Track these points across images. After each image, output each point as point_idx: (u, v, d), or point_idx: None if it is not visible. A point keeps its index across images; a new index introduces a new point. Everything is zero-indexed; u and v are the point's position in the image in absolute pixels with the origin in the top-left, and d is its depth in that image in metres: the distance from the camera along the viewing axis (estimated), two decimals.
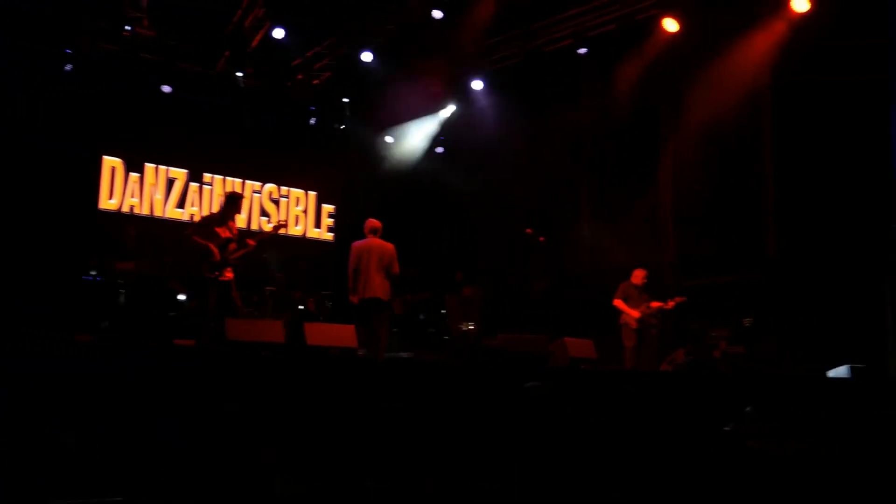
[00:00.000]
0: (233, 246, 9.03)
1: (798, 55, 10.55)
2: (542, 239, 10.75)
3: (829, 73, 10.23)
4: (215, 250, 8.94)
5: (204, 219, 10.01)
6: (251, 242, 9.17)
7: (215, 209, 13.87)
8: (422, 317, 12.84)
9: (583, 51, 12.40)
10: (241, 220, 13.75)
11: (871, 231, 9.89)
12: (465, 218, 14.36)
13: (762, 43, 10.90)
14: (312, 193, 15.18)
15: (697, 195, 11.96)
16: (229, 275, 9.02)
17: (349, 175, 15.08)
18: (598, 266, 12.71)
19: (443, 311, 12.91)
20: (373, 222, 9.63)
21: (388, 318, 9.62)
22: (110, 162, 13.14)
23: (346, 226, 15.08)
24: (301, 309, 12.20)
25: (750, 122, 11.35)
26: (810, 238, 10.41)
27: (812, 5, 10.34)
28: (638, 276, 10.91)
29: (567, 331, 10.15)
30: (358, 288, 9.36)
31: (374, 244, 9.46)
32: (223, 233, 9.10)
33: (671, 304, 10.65)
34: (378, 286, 9.30)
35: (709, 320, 10.99)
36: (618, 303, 10.83)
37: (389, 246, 9.49)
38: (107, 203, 13.05)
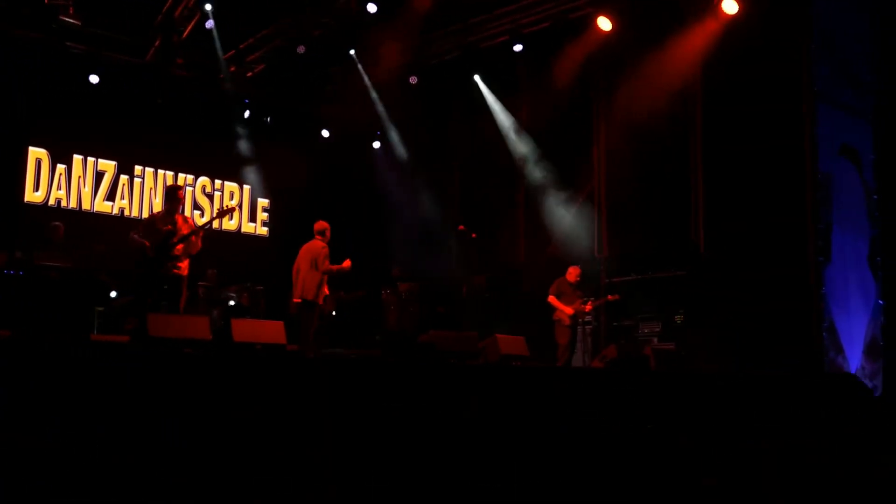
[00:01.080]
0: (174, 239, 8.91)
1: (728, 54, 10.73)
2: (473, 235, 10.75)
3: (756, 71, 10.44)
4: (147, 245, 8.84)
5: (150, 216, 10.07)
6: (195, 239, 9.03)
7: (146, 202, 13.63)
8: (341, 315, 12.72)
9: (518, 47, 12.44)
10: None
11: (795, 226, 10.10)
12: (401, 213, 14.29)
13: (694, 41, 11.04)
14: (247, 187, 15.00)
15: (629, 191, 12.06)
16: (176, 271, 8.91)
17: (284, 169, 14.87)
18: (533, 262, 12.75)
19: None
20: (316, 224, 10.08)
21: (310, 317, 9.76)
22: (36, 153, 12.78)
23: (280, 220, 15.00)
24: (232, 305, 12.05)
25: (680, 118, 11.48)
26: (739, 234, 10.58)
27: (741, 7, 10.49)
28: (572, 273, 10.98)
29: (501, 328, 10.16)
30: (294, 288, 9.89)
31: (308, 245, 9.91)
32: (164, 227, 9.00)
33: (594, 304, 10.75)
34: (305, 285, 9.70)
35: (641, 317, 11.09)
36: (552, 300, 10.87)
37: (317, 244, 9.86)
38: (32, 196, 12.68)
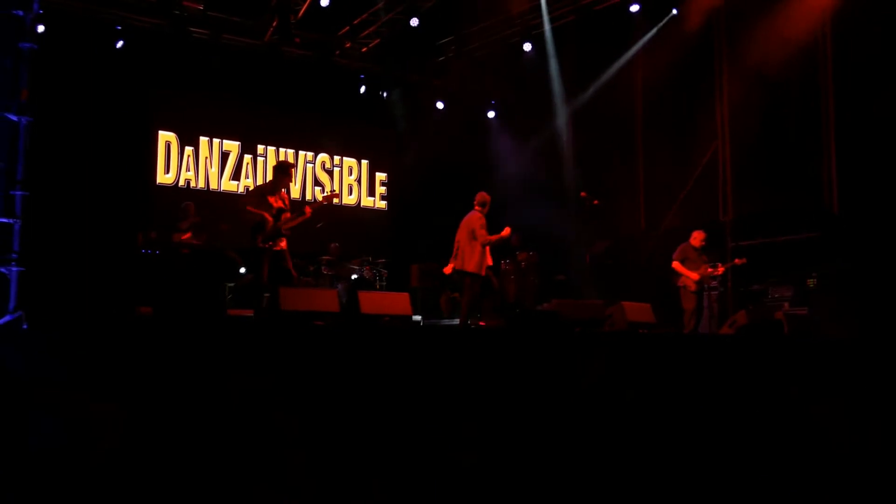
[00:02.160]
0: (286, 215, 8.94)
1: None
2: (596, 202, 10.58)
3: (891, 20, 9.83)
4: (269, 219, 8.83)
5: (256, 188, 9.95)
6: (308, 210, 9.04)
7: (269, 180, 13.97)
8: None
9: (635, 8, 12.11)
10: (295, 191, 13.91)
11: None
12: (517, 181, 14.19)
13: None
14: (365, 162, 15.22)
15: (755, 149, 11.60)
16: (283, 244, 8.95)
17: (401, 143, 15.04)
18: (656, 228, 12.47)
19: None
20: (477, 196, 9.95)
21: (469, 288, 9.71)
22: (165, 136, 13.28)
23: (398, 194, 15.17)
24: (355, 278, 12.28)
25: (810, 70, 10.97)
26: (875, 193, 10.06)
27: None
28: (697, 237, 10.69)
29: (624, 295, 10.00)
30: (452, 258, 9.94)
31: (467, 218, 9.84)
32: (276, 202, 9.02)
33: (721, 269, 10.42)
34: (465, 257, 9.67)
35: (770, 281, 10.71)
36: (676, 265, 10.62)
37: (474, 216, 9.78)
38: (163, 178, 13.20)
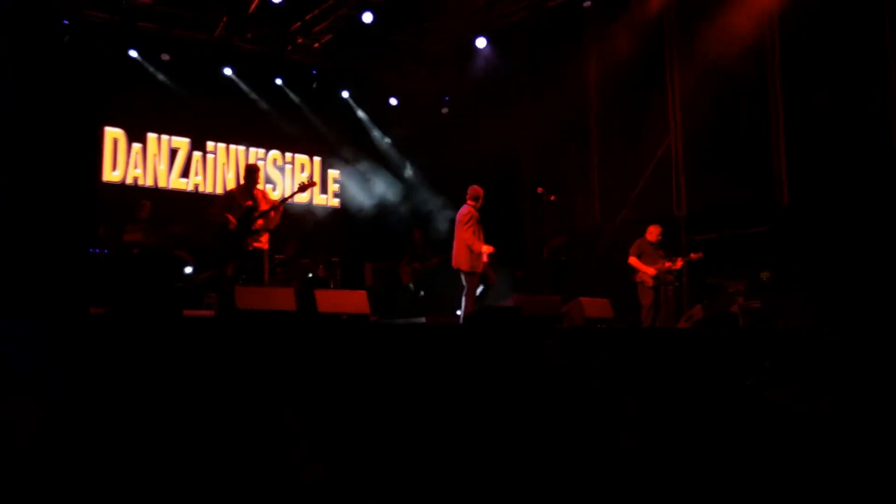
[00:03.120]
0: (256, 214, 9.04)
1: None
2: (553, 197, 10.57)
3: (838, 11, 9.96)
4: (231, 220, 8.96)
5: (227, 192, 10.26)
6: (273, 212, 9.11)
7: (219, 178, 13.76)
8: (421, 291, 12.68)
9: (588, 3, 12.15)
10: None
11: (885, 176, 9.68)
12: (477, 178, 14.14)
13: None
14: (317, 159, 15.02)
15: (707, 144, 11.68)
16: (259, 244, 9.05)
17: (354, 139, 14.90)
18: (612, 222, 12.53)
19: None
20: (470, 189, 9.82)
21: (467, 284, 9.60)
22: (112, 133, 12.96)
23: (352, 191, 15.03)
24: (310, 276, 12.13)
25: (758, 63, 11.05)
26: (823, 185, 10.20)
27: None
28: (653, 232, 10.76)
29: (582, 290, 10.02)
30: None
31: (459, 211, 9.78)
32: (246, 202, 9.14)
33: (680, 263, 10.51)
34: (454, 253, 9.68)
35: (725, 275, 10.83)
36: (633, 261, 10.68)
37: (462, 210, 9.74)
38: (110, 175, 12.88)
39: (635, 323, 10.40)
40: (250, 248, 9.12)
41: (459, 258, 9.53)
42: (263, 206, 9.17)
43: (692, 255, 10.52)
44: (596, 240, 12.34)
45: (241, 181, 9.80)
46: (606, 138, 13.30)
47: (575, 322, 9.40)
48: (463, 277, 9.56)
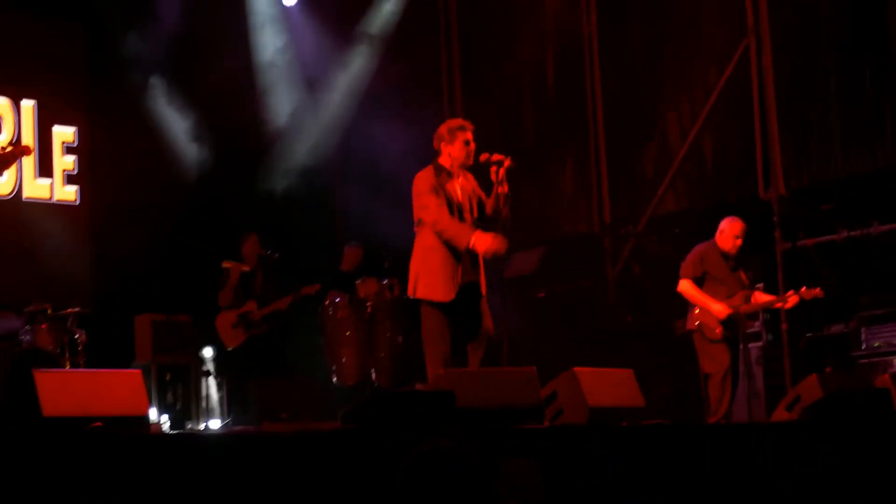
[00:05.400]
0: None
1: None
2: (508, 162, 5.94)
3: None
4: None
5: None
6: None
7: None
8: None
9: None
10: None
11: None
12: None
13: None
14: (29, 104, 8.24)
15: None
16: None
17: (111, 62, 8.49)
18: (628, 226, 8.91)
19: None
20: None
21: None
22: None
23: (103, 173, 8.50)
24: (25, 349, 7.21)
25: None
26: None
27: None
28: (730, 232, 6.29)
29: (577, 351, 5.51)
30: None
31: None
32: None
33: (792, 300, 5.98)
34: None
35: (863, 308, 6.50)
36: (686, 288, 6.11)
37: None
38: None
39: (697, 418, 6.00)
40: None
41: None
42: None
43: (808, 292, 5.95)
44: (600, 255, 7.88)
45: None
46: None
47: (568, 417, 4.95)
48: None
